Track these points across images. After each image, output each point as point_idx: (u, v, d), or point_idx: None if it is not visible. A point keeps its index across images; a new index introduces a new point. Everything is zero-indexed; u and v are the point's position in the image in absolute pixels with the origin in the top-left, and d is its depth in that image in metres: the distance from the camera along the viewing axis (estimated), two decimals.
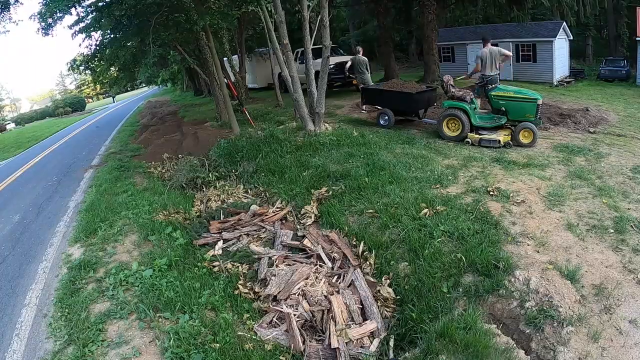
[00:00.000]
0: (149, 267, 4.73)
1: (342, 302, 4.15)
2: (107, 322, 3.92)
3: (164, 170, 8.97)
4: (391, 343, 3.76)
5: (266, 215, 6.03)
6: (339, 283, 4.49)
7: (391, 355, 3.64)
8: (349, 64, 11.58)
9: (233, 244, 5.52)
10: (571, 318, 3.27)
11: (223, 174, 8.08)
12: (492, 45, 8.15)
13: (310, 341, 3.86)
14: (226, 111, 11.36)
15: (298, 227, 5.66)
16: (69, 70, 13.60)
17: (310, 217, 5.71)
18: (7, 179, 10.92)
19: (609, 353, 3.04)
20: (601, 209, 4.68)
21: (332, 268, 4.79)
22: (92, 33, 8.94)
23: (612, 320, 3.26)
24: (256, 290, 4.56)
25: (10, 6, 8.46)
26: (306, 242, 5.16)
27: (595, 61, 22.05)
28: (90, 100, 61.41)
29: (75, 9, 7.93)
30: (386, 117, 9.15)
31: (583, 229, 4.35)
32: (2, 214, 7.54)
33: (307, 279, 4.51)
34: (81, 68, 12.37)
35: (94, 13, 8.37)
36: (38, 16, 7.34)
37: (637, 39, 16.94)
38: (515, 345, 3.26)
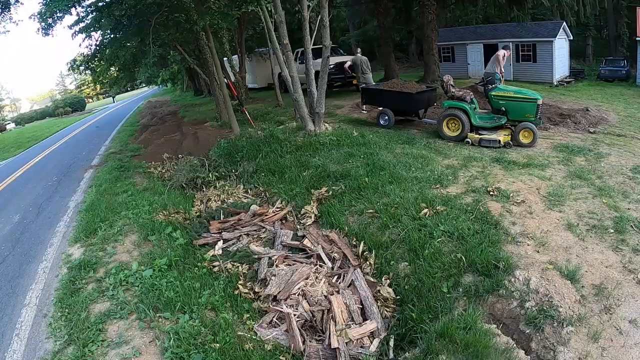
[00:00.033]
0: (149, 267, 4.73)
1: (342, 302, 4.15)
2: (107, 322, 3.93)
3: (164, 170, 8.97)
4: (391, 343, 3.76)
5: (266, 215, 6.02)
6: (339, 283, 4.49)
7: (391, 355, 3.64)
8: (348, 63, 11.59)
9: (233, 244, 5.52)
10: (571, 318, 3.27)
11: (223, 174, 8.08)
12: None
13: (310, 341, 3.86)
14: (226, 111, 11.37)
15: (298, 227, 5.66)
16: (69, 70, 13.62)
17: (310, 217, 5.71)
18: (7, 179, 10.91)
19: (609, 353, 3.04)
20: (601, 209, 4.67)
21: (332, 268, 4.79)
22: (92, 33, 8.94)
23: (612, 320, 3.26)
24: (256, 290, 4.56)
25: (11, 6, 8.46)
26: (306, 242, 5.16)
27: (595, 61, 22.04)
28: (90, 100, 61.39)
29: (75, 9, 7.93)
30: (386, 117, 9.15)
31: (583, 229, 4.35)
32: (2, 214, 7.54)
33: (307, 279, 4.51)
34: (81, 68, 12.38)
35: (94, 13, 8.37)
36: (38, 16, 7.33)
37: (637, 39, 16.92)
38: (515, 345, 3.26)
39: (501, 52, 8.74)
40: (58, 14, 7.42)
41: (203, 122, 13.75)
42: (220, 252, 5.31)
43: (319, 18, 8.31)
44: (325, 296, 4.27)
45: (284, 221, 5.97)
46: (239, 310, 4.22)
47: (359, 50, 11.12)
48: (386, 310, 4.14)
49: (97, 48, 10.27)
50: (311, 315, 4.12)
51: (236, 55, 17.33)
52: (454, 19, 23.57)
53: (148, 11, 8.52)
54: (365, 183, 5.88)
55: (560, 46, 16.06)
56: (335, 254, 4.92)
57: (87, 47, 10.11)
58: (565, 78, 16.57)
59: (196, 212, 6.70)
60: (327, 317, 4.04)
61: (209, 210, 6.66)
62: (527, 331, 3.34)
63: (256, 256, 5.03)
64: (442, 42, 17.53)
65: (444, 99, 8.29)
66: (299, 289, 4.38)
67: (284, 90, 12.32)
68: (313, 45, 8.63)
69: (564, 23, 15.43)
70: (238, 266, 4.95)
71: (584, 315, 3.30)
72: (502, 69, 8.84)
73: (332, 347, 3.64)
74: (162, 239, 5.48)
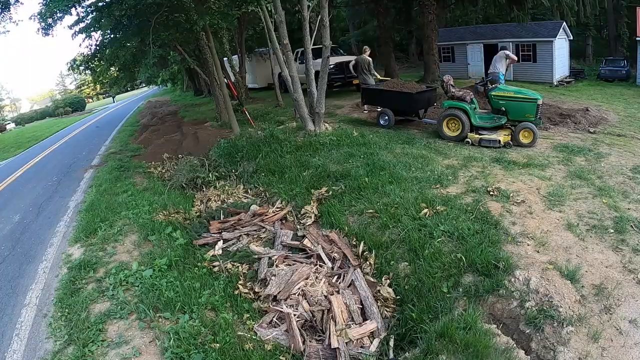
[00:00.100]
0: (149, 267, 4.73)
1: (342, 302, 4.15)
2: (107, 322, 3.93)
3: (164, 170, 8.97)
4: (391, 343, 3.76)
5: (266, 215, 6.03)
6: (339, 283, 4.49)
7: (391, 355, 3.64)
8: (352, 63, 11.56)
9: (233, 244, 5.52)
10: (571, 318, 3.27)
11: (223, 174, 8.08)
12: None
13: (310, 341, 3.86)
14: (226, 111, 11.36)
15: (298, 227, 5.66)
16: (69, 70, 13.60)
17: (310, 217, 5.71)
18: (7, 179, 10.92)
19: (609, 353, 3.04)
20: (601, 209, 4.67)
21: (332, 268, 4.79)
22: (92, 33, 8.93)
23: (612, 320, 3.25)
24: (256, 290, 4.56)
25: (11, 6, 8.46)
26: (306, 242, 5.16)
27: (595, 61, 22.05)
28: (91, 100, 61.40)
29: (75, 9, 7.93)
30: (386, 117, 9.15)
31: (583, 229, 4.35)
32: (2, 214, 7.54)
33: (307, 279, 4.51)
34: (81, 68, 12.36)
35: (94, 13, 8.37)
36: (38, 16, 7.34)
37: (637, 39, 16.93)
38: (515, 345, 3.26)
39: (507, 51, 8.67)
40: (58, 14, 7.43)
41: (203, 122, 13.75)
42: (220, 252, 5.31)
43: (319, 18, 8.31)
44: (325, 296, 4.27)
45: (284, 221, 5.97)
46: (239, 310, 4.22)
47: (368, 51, 10.97)
48: (386, 310, 4.14)
49: (97, 48, 10.26)
50: (311, 315, 4.12)
51: (236, 55, 17.33)
52: (454, 19, 23.59)
53: (148, 11, 8.52)
54: (365, 183, 5.88)
55: (560, 46, 16.07)
56: (335, 254, 4.92)
57: (87, 47, 10.12)
58: (565, 78, 16.57)
59: (196, 212, 6.70)
60: (327, 317, 4.04)
61: (209, 210, 6.66)
62: (527, 331, 3.34)
63: (256, 256, 5.03)
64: (442, 42, 17.54)
65: (444, 99, 8.29)
66: (299, 289, 4.38)
67: (284, 90, 12.32)
68: (313, 45, 8.63)
69: (564, 23, 15.44)
70: (238, 266, 4.95)
71: (584, 315, 3.30)
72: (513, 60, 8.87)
73: (332, 347, 3.64)
74: (162, 239, 5.48)
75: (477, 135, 7.38)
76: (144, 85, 49.89)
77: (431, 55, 14.76)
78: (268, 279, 4.56)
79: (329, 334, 3.76)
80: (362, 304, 4.19)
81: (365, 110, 10.84)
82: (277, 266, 4.78)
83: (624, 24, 21.81)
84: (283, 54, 8.62)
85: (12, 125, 40.30)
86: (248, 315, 4.15)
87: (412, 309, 3.86)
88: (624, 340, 3.11)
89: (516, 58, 8.70)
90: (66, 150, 14.85)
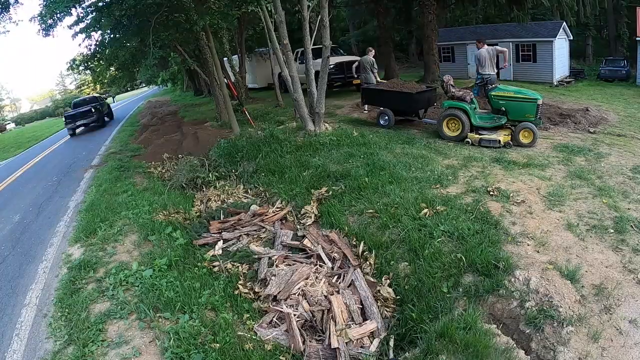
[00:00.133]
0: (149, 267, 4.73)
1: (342, 302, 4.15)
2: (107, 322, 3.93)
3: (164, 170, 8.97)
4: (391, 343, 3.76)
5: (266, 215, 6.03)
6: (339, 283, 4.49)
7: (391, 355, 3.64)
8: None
9: (233, 244, 5.52)
10: (571, 318, 3.27)
11: (223, 174, 8.08)
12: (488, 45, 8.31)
13: (310, 341, 3.86)
14: (226, 111, 11.37)
15: (298, 227, 5.66)
16: (68, 70, 13.63)
17: (310, 217, 5.71)
18: (7, 179, 10.93)
19: (609, 353, 3.04)
20: (601, 209, 4.67)
21: (332, 268, 4.79)
22: (92, 33, 8.93)
23: (612, 320, 3.25)
24: (256, 290, 4.56)
25: (10, 6, 8.47)
26: (306, 242, 5.16)
27: (595, 61, 22.06)
28: None
29: (76, 9, 7.93)
30: (386, 117, 9.15)
31: (583, 229, 4.35)
32: (2, 214, 7.54)
33: (307, 279, 4.51)
34: (81, 68, 12.38)
35: (94, 13, 8.37)
36: (38, 18, 7.34)
37: (637, 39, 16.94)
38: (515, 345, 3.26)
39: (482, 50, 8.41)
40: (58, 15, 7.43)
41: (203, 122, 13.75)
42: (220, 252, 5.31)
43: (319, 18, 8.31)
44: (325, 296, 4.27)
45: (284, 221, 5.97)
46: (239, 310, 4.22)
47: (372, 52, 10.96)
48: (386, 310, 4.14)
49: (97, 48, 10.27)
50: (311, 315, 4.12)
51: (236, 55, 17.34)
52: (454, 19, 23.60)
53: (148, 11, 8.52)
54: (365, 183, 5.88)
55: (560, 46, 16.07)
56: (335, 254, 4.92)
57: (87, 47, 10.11)
58: (565, 78, 16.58)
59: (196, 212, 6.70)
60: (327, 317, 4.04)
61: (209, 210, 6.66)
62: (527, 331, 3.34)
63: (256, 256, 5.03)
64: (442, 42, 17.55)
65: (444, 99, 8.29)
66: (299, 289, 4.38)
67: (284, 90, 12.32)
68: (313, 45, 8.63)
69: (564, 23, 15.44)
70: (238, 266, 4.95)
71: (584, 315, 3.30)
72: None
73: (332, 347, 3.64)
74: (162, 239, 5.48)
75: (477, 135, 7.38)
76: (143, 85, 49.87)
77: (431, 55, 14.77)
78: (268, 279, 4.56)
79: (329, 334, 3.76)
80: (362, 304, 4.19)
81: (365, 110, 10.85)
82: (277, 266, 4.78)
83: (624, 24, 21.83)
84: (283, 54, 8.62)
85: (12, 125, 40.34)
86: (248, 315, 4.15)
87: (412, 309, 3.86)
88: (624, 340, 3.11)
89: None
90: (66, 150, 14.86)
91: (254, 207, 6.35)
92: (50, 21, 7.41)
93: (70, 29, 8.57)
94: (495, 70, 8.00)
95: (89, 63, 11.64)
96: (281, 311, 4.13)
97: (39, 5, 7.79)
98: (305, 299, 4.28)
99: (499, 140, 7.12)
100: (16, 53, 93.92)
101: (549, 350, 3.16)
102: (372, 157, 6.81)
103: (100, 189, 7.70)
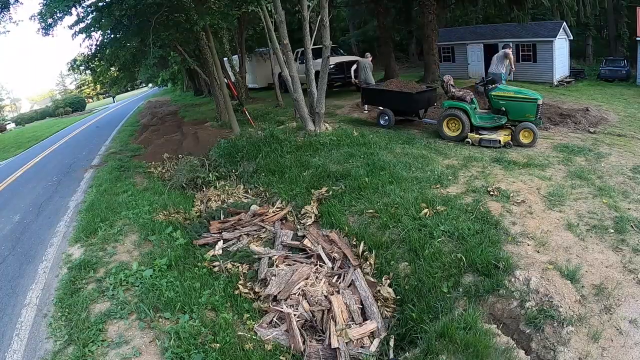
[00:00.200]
0: (149, 267, 4.73)
1: (342, 302, 4.15)
2: (107, 322, 3.93)
3: (164, 170, 8.97)
4: (391, 343, 3.76)
5: (266, 215, 6.03)
6: (339, 283, 4.49)
7: (391, 355, 3.64)
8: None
9: (233, 244, 5.52)
10: (571, 318, 3.27)
11: (223, 174, 8.08)
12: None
13: (310, 341, 3.86)
14: (226, 111, 11.37)
15: (298, 227, 5.66)
16: (69, 70, 13.63)
17: (310, 217, 5.71)
18: (7, 179, 10.92)
19: (609, 353, 3.04)
20: (601, 209, 4.67)
21: (332, 268, 4.79)
22: (92, 33, 8.94)
23: (612, 320, 3.25)
24: (256, 290, 4.56)
25: (10, 6, 8.46)
26: (306, 242, 5.16)
27: (595, 61, 22.03)
28: (91, 100, 61.36)
29: (76, 9, 7.93)
30: (386, 117, 9.15)
31: (583, 229, 4.35)
32: (2, 214, 7.54)
33: (307, 279, 4.51)
34: (81, 68, 12.37)
35: (94, 13, 8.38)
36: (38, 17, 7.34)
37: (637, 39, 16.92)
38: (515, 345, 3.26)
39: (507, 50, 8.65)
40: (58, 15, 7.43)
41: (203, 122, 13.75)
42: (221, 252, 5.31)
43: (319, 18, 8.31)
44: (325, 296, 4.27)
45: (284, 221, 5.97)
46: (239, 310, 4.22)
47: (369, 57, 11.14)
48: (386, 310, 4.14)
49: (97, 48, 10.27)
50: (311, 315, 4.12)
51: (236, 55, 17.34)
52: (454, 19, 23.58)
53: (148, 11, 8.53)
54: (366, 183, 5.88)
55: (561, 46, 16.06)
56: (336, 254, 4.92)
57: (87, 47, 10.13)
58: (566, 78, 16.56)
59: (196, 212, 6.70)
60: (327, 317, 4.04)
61: (209, 210, 6.66)
62: (527, 331, 3.34)
63: (256, 256, 5.03)
64: (442, 42, 17.53)
65: (444, 99, 8.29)
66: (299, 289, 4.38)
67: (284, 90, 12.33)
68: (313, 45, 8.63)
69: (564, 23, 15.43)
70: (238, 266, 4.95)
71: (584, 315, 3.30)
72: (513, 66, 8.92)
73: (332, 347, 3.64)
74: (162, 239, 5.48)
75: (477, 135, 7.38)
76: (144, 85, 49.91)
77: (431, 55, 14.76)
78: (268, 279, 4.56)
79: (329, 334, 3.76)
80: (362, 304, 4.19)
81: (365, 110, 10.85)
82: (277, 266, 4.78)
83: (624, 24, 21.80)
84: (283, 54, 8.63)
85: (12, 125, 40.30)
86: (248, 315, 4.15)
87: (412, 309, 3.86)
88: (624, 340, 3.11)
89: (513, 58, 8.72)
90: (66, 150, 14.85)
91: (254, 207, 6.35)
92: (50, 20, 7.42)
93: (71, 28, 8.58)
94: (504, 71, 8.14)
95: (90, 63, 11.63)
96: (281, 311, 4.13)
97: (39, 4, 7.80)
98: (306, 299, 4.28)
99: (499, 140, 7.12)
100: (16, 53, 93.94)
101: (549, 350, 3.16)
102: (372, 157, 6.81)
103: (100, 189, 7.70)
